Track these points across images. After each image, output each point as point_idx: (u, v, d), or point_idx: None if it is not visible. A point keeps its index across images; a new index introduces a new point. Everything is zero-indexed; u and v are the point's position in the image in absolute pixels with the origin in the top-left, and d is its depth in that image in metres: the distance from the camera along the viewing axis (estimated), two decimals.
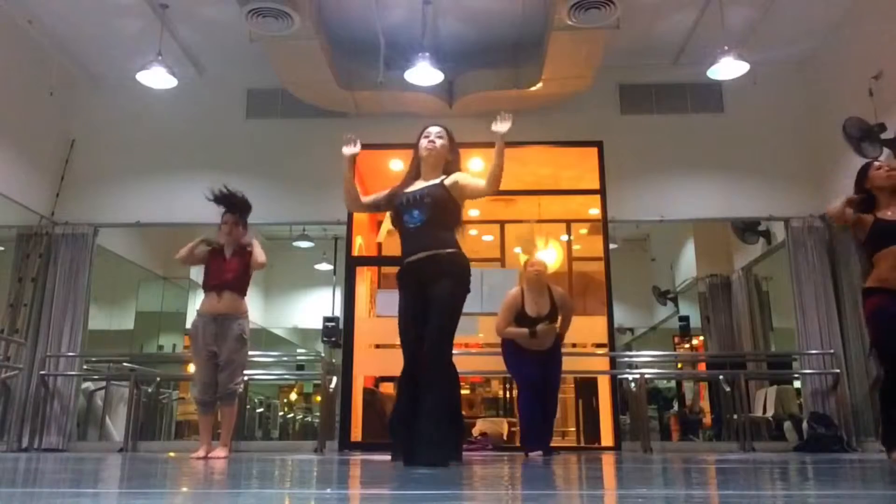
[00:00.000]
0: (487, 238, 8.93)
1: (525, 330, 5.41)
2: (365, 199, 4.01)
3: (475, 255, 7.72)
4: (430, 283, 3.62)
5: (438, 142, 3.83)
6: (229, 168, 7.91)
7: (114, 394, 8.17)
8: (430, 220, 3.66)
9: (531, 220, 7.07)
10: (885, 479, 2.61)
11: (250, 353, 8.07)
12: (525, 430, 5.67)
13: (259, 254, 5.05)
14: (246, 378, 7.33)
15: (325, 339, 8.20)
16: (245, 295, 5.10)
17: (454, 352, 3.76)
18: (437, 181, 3.78)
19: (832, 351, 6.95)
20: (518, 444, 6.85)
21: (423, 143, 3.84)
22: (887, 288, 3.94)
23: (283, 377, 10.63)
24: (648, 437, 6.91)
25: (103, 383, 8.10)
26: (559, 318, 5.55)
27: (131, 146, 7.97)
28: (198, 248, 5.15)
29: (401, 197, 3.78)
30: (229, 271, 5.01)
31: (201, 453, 4.82)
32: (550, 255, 8.59)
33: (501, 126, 3.64)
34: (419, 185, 3.83)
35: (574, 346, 6.29)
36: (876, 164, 4.19)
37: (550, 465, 3.78)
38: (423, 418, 3.44)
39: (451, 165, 3.89)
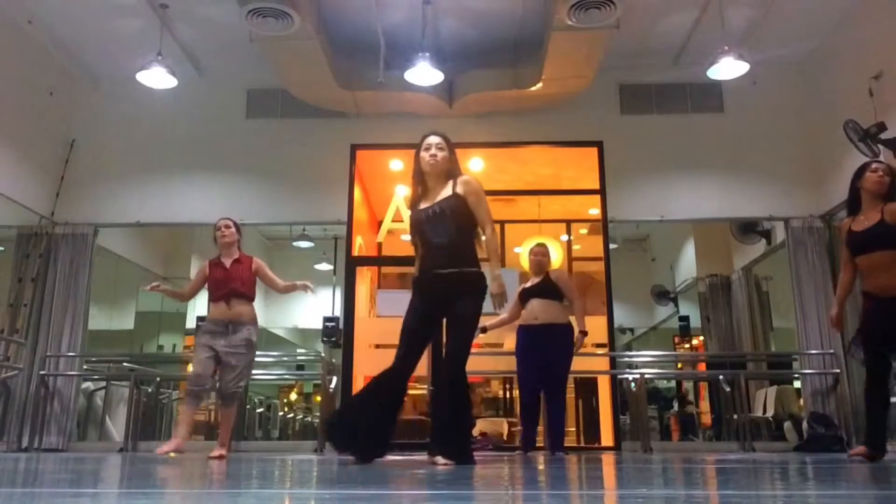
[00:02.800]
0: None
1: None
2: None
3: None
4: (453, 298, 3.74)
5: (440, 154, 3.89)
6: (229, 168, 7.95)
7: (114, 394, 8.17)
8: (454, 235, 3.78)
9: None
10: (885, 480, 2.61)
11: None
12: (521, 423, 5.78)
13: (276, 279, 5.22)
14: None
15: (325, 339, 8.20)
16: (253, 301, 5.12)
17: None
18: (449, 193, 3.85)
19: (832, 351, 6.96)
20: (518, 443, 6.84)
21: (425, 156, 3.90)
22: (875, 294, 4.08)
23: (283, 377, 10.63)
24: (648, 437, 6.91)
25: (103, 383, 8.11)
26: (562, 297, 5.68)
27: (131, 146, 7.97)
28: (171, 289, 5.37)
29: (421, 213, 3.86)
30: (236, 280, 5.03)
31: (169, 447, 4.70)
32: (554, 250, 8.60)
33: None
34: (432, 197, 3.91)
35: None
36: (873, 165, 4.23)
37: (549, 466, 3.77)
38: (446, 417, 3.79)
39: (453, 169, 3.98)
